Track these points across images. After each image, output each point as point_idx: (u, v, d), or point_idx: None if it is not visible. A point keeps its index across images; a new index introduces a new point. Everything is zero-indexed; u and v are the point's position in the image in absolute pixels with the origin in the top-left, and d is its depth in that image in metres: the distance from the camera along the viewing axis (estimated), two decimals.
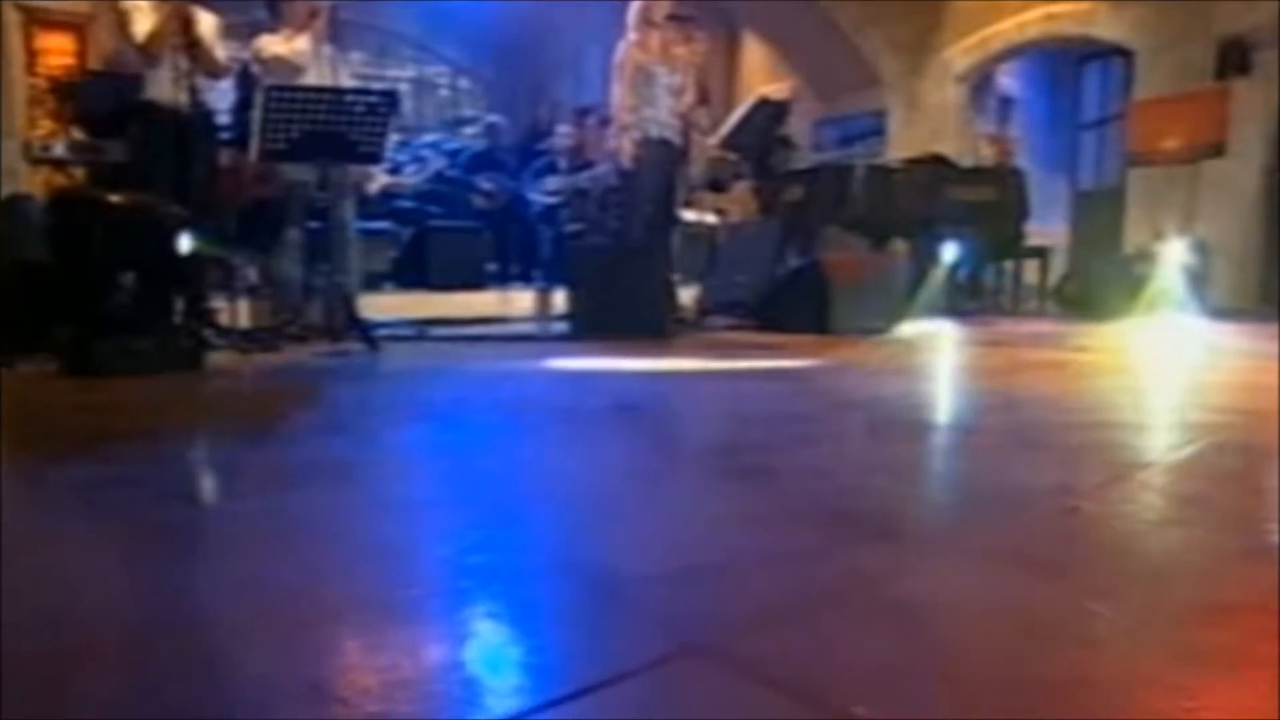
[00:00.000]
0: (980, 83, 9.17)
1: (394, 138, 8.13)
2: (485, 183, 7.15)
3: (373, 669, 0.87)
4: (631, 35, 4.86)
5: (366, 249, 5.64)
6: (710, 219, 5.80)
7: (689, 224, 5.99)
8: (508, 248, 7.32)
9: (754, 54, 10.52)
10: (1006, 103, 10.09)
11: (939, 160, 6.91)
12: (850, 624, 0.97)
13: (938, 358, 3.49)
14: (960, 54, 8.60)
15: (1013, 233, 6.95)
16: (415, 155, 8.01)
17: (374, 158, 3.73)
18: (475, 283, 5.94)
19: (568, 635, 0.95)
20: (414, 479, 1.61)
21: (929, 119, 8.75)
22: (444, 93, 11.53)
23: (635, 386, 2.70)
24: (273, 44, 4.27)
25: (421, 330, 4.40)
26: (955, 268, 6.32)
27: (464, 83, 11.50)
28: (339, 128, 3.54)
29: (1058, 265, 8.29)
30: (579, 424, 2.06)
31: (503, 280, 6.84)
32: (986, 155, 7.22)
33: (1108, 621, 0.99)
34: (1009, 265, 7.23)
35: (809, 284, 4.20)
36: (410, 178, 6.92)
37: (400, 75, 11.15)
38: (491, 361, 3.35)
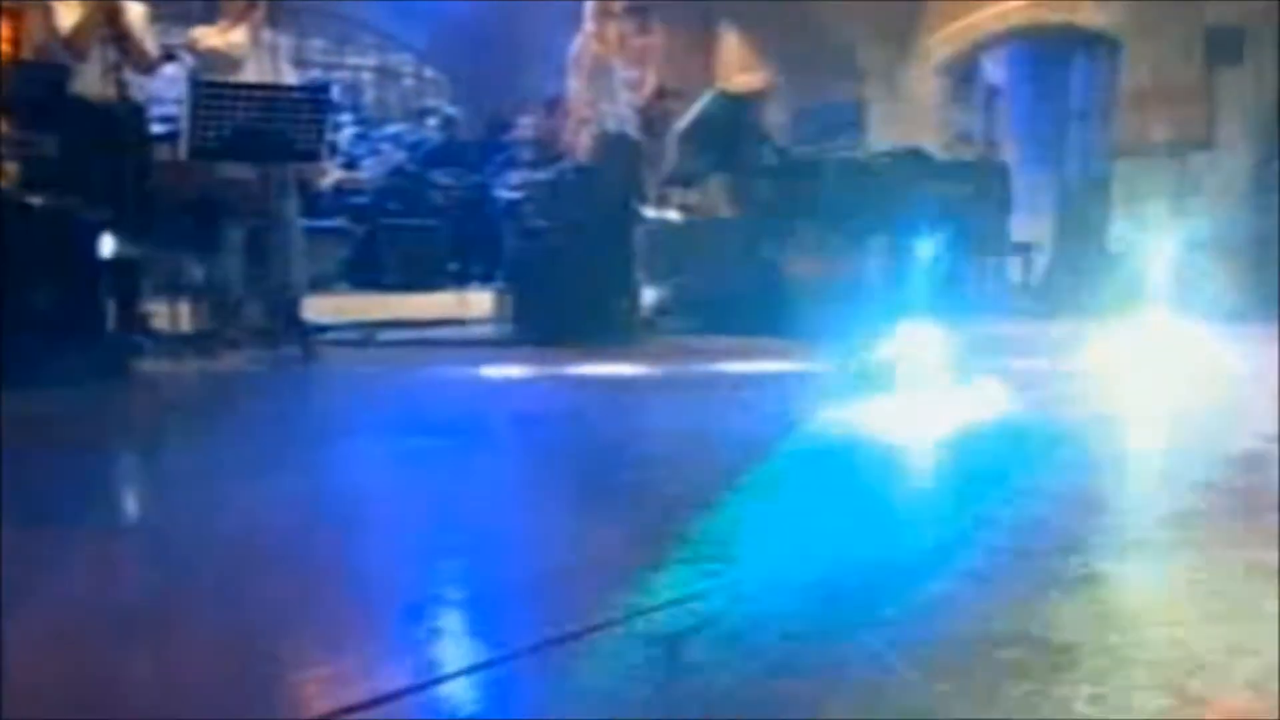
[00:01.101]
0: (965, 73, 9.23)
1: (352, 130, 8.30)
2: (443, 178, 7.15)
3: None
4: (588, 27, 4.90)
5: (316, 247, 5.64)
6: (673, 216, 5.84)
7: (653, 221, 6.01)
8: (467, 246, 7.34)
9: (731, 45, 10.54)
10: (993, 92, 10.17)
11: (916, 154, 6.95)
12: None
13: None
14: (942, 43, 8.66)
15: (994, 228, 7.01)
16: (375, 148, 8.02)
17: (311, 155, 3.74)
18: (431, 283, 5.95)
19: None
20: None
21: (910, 110, 8.81)
22: (408, 82, 11.54)
23: (553, 401, 2.71)
24: (208, 36, 4.27)
25: (368, 335, 4.41)
26: (934, 265, 6.37)
27: (429, 72, 11.51)
28: (273, 124, 3.55)
29: (1042, 261, 8.39)
30: (460, 448, 2.01)
31: (462, 280, 6.84)
32: (967, 154, 7.28)
33: None
34: (990, 262, 7.31)
35: (767, 287, 4.23)
36: (365, 172, 6.92)
37: (362, 63, 11.16)
38: (424, 370, 3.37)
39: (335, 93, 9.29)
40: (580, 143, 4.83)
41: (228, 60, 4.16)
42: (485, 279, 7.14)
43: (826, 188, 6.33)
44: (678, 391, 2.74)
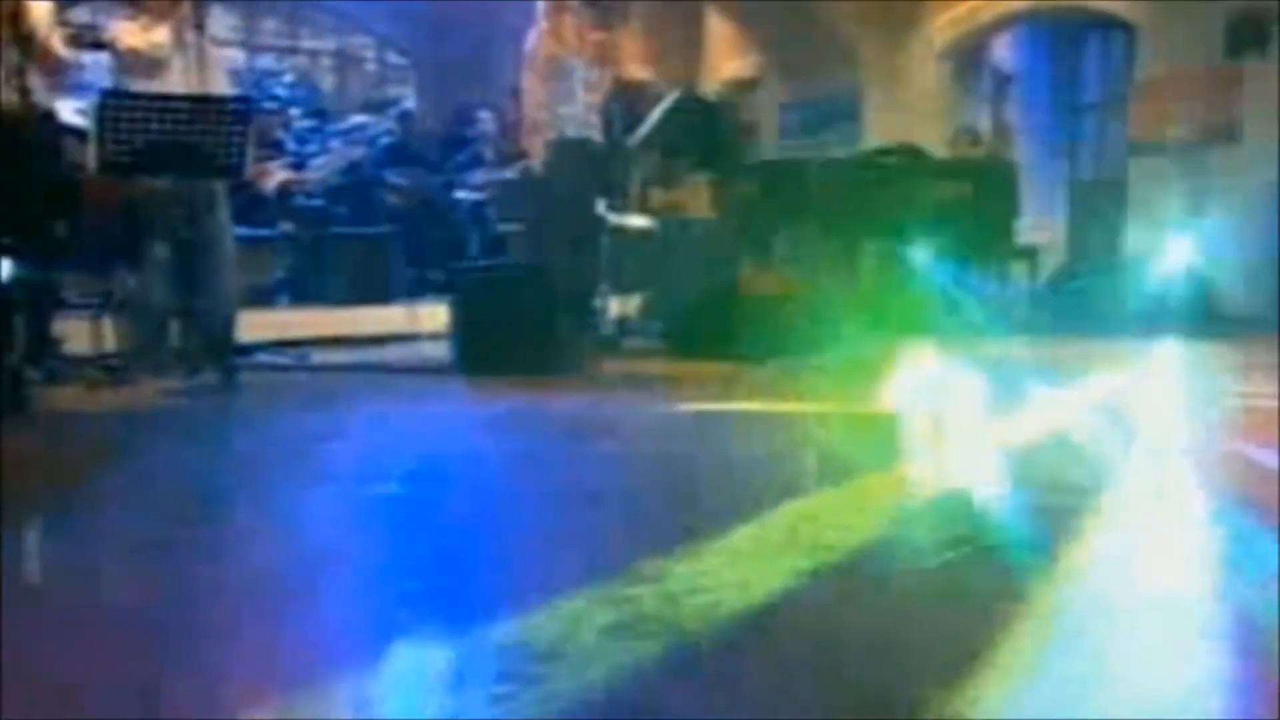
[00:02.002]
0: (970, 59, 9.25)
1: (306, 123, 8.30)
2: (400, 178, 7.16)
3: None
4: (542, 22, 4.90)
5: (255, 258, 5.67)
6: (640, 223, 5.85)
7: (621, 230, 6.02)
8: (425, 254, 7.35)
9: (718, 29, 10.58)
10: (1003, 80, 10.19)
11: (911, 152, 6.96)
12: None
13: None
14: (944, 27, 8.67)
15: (998, 233, 7.01)
16: (329, 144, 8.02)
17: (231, 171, 3.73)
18: (380, 296, 5.95)
19: None
20: None
21: (909, 101, 8.82)
22: (370, 67, 11.54)
23: (470, 447, 2.69)
24: (128, 34, 4.25)
25: (301, 358, 4.41)
26: (931, 275, 6.38)
27: (393, 57, 11.51)
28: (189, 138, 3.54)
29: (1053, 265, 8.39)
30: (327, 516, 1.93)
31: (419, 291, 6.85)
32: (970, 152, 7.28)
33: None
34: (994, 267, 7.31)
35: (725, 306, 4.24)
36: (316, 172, 6.92)
37: (319, 47, 11.17)
38: (345, 405, 3.36)
39: (287, 80, 9.40)
40: (535, 149, 4.83)
41: (148, 61, 4.15)
42: (445, 289, 7.17)
43: (812, 191, 6.34)
44: (615, 439, 2.72)
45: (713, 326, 4.30)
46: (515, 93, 5.41)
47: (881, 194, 6.47)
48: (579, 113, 4.90)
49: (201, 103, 3.64)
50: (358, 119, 9.94)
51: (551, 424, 3.00)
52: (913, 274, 6.45)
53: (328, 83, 11.02)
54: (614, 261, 6.87)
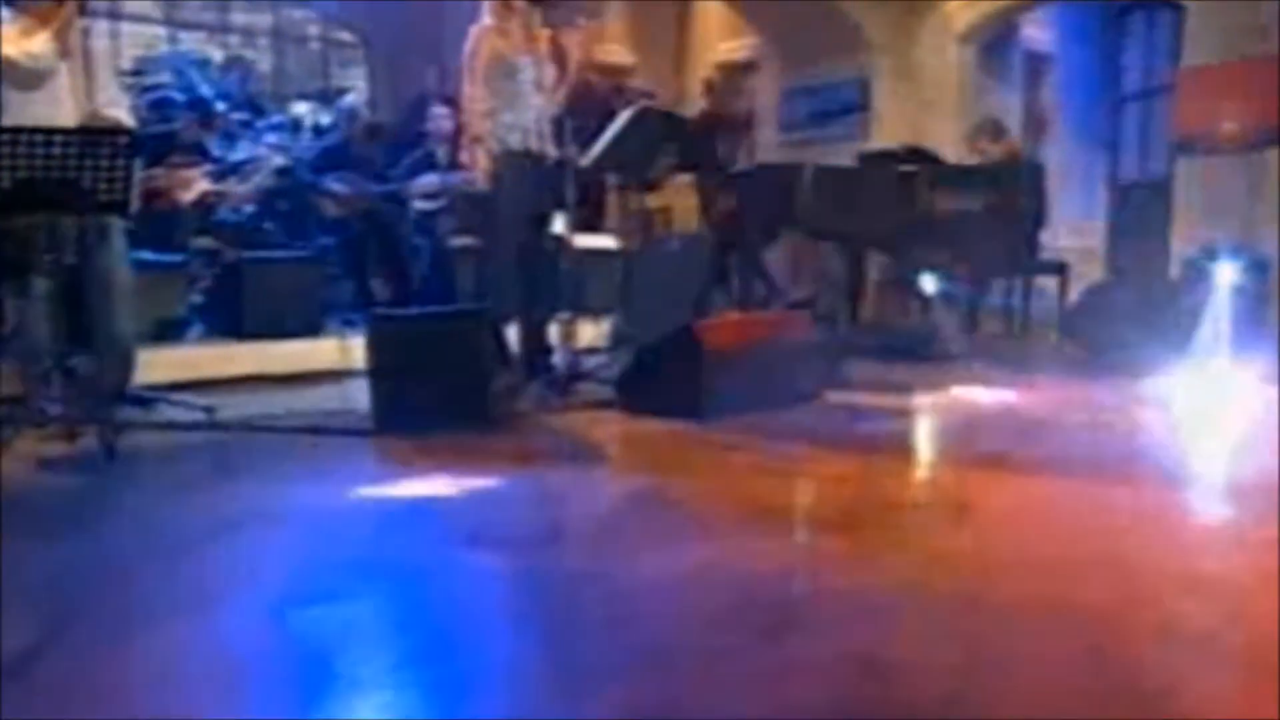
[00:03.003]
0: (997, 39, 9.24)
1: (237, 116, 8.31)
2: (337, 185, 7.15)
3: None
4: (487, 19, 4.91)
5: (162, 288, 5.68)
6: (604, 243, 5.90)
7: (584, 252, 6.04)
8: (368, 270, 7.35)
9: (709, 6, 10.60)
10: (1038, 62, 10.19)
11: (918, 155, 6.97)
12: None
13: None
14: (964, 6, 8.67)
15: (1019, 246, 7.02)
16: (262, 143, 8.02)
17: (116, 207, 3.74)
18: (310, 326, 5.96)
19: None
20: None
21: (925, 90, 8.82)
22: (314, 46, 11.56)
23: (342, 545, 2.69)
24: (5, 41, 4.25)
25: (209, 411, 4.42)
26: (942, 299, 6.39)
27: (342, 35, 11.53)
28: (66, 173, 3.55)
29: (1090, 276, 8.38)
30: None
31: (359, 315, 6.85)
32: (990, 150, 7.28)
33: None
34: (1019, 285, 7.31)
35: (679, 355, 4.25)
36: (243, 181, 6.92)
37: (253, 24, 11.17)
38: (233, 488, 3.36)
39: (215, 65, 9.42)
40: (477, 163, 4.85)
41: (27, 73, 4.16)
42: (397, 307, 7.16)
43: (803, 205, 6.36)
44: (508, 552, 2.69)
45: (665, 383, 4.31)
46: (450, 100, 5.43)
47: (883, 206, 6.48)
48: (528, 121, 4.90)
49: (80, 136, 3.65)
50: (299, 107, 10.02)
51: (446, 518, 3.00)
52: (921, 300, 6.47)
53: (263, 65, 11.02)
54: (578, 285, 6.95)
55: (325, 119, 8.30)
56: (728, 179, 6.91)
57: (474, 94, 4.91)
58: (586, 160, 5.03)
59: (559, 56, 5.00)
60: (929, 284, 6.31)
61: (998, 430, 4.36)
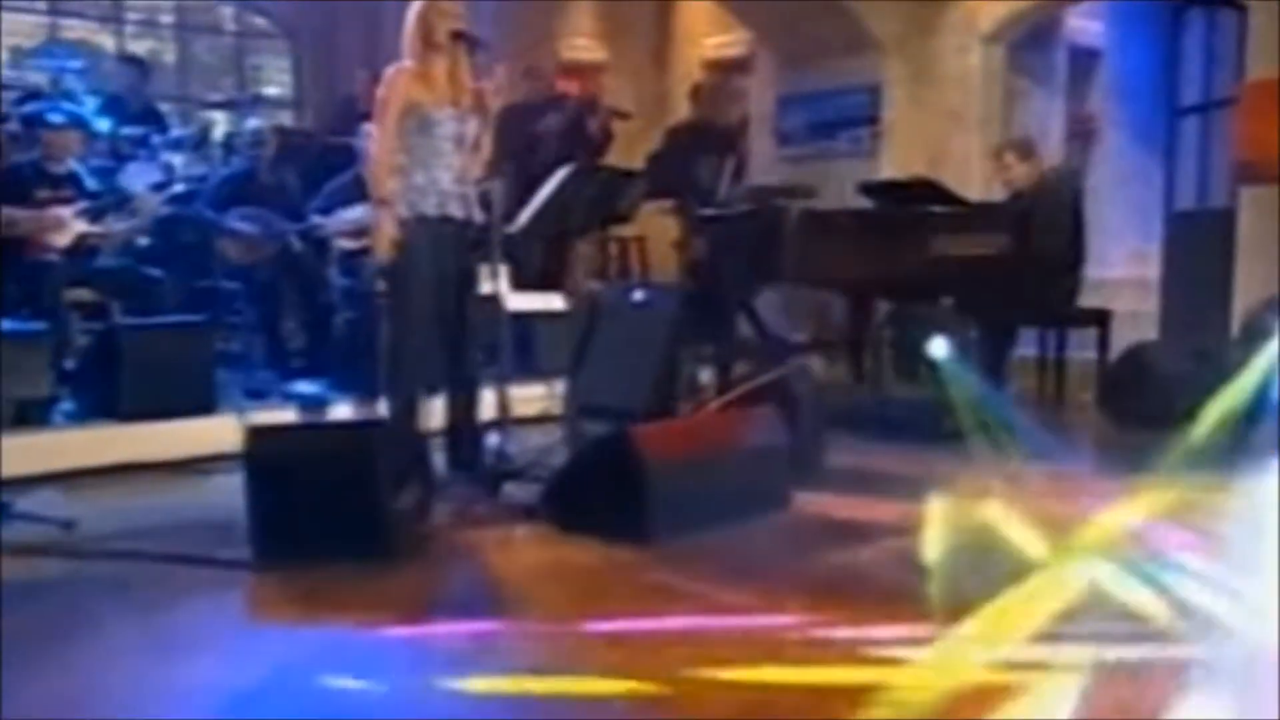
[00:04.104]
0: (1035, 37, 9.35)
1: (130, 130, 8.42)
2: (243, 224, 7.25)
3: None
4: (407, 62, 5.02)
5: (23, 360, 5.77)
6: (551, 303, 6.00)
7: (523, 315, 6.17)
8: (278, 327, 7.45)
9: (695, 4, 10.75)
10: (1086, 59, 10.30)
11: (928, 189, 7.07)
12: None
13: None
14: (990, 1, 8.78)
15: (1049, 293, 7.10)
16: (156, 167, 8.13)
17: None
18: (202, 403, 6.06)
19: None
20: None
21: (947, 96, 8.93)
22: (229, 39, 11.70)
23: None
24: None
25: (67, 527, 4.52)
26: (953, 368, 6.44)
27: (260, 22, 11.67)
28: None
29: (1143, 318, 8.47)
30: None
31: (271, 381, 6.98)
32: (1015, 170, 7.36)
33: None
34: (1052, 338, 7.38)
35: (617, 466, 4.35)
36: (127, 219, 7.01)
37: (158, 7, 11.29)
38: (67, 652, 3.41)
39: (105, 60, 9.52)
40: (380, 231, 4.95)
41: None
42: (311, 371, 7.23)
43: (789, 254, 6.46)
44: None
45: (601, 498, 4.40)
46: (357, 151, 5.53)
47: (885, 256, 6.58)
48: (445, 183, 5.01)
49: None
50: (210, 116, 10.10)
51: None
52: (927, 368, 6.53)
53: (168, 58, 11.17)
54: (523, 347, 7.07)
55: (245, 125, 8.38)
56: (700, 222, 7.01)
57: (382, 147, 4.97)
58: (514, 227, 5.13)
59: (482, 109, 5.04)
60: (940, 349, 6.39)
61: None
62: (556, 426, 6.44)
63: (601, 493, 4.43)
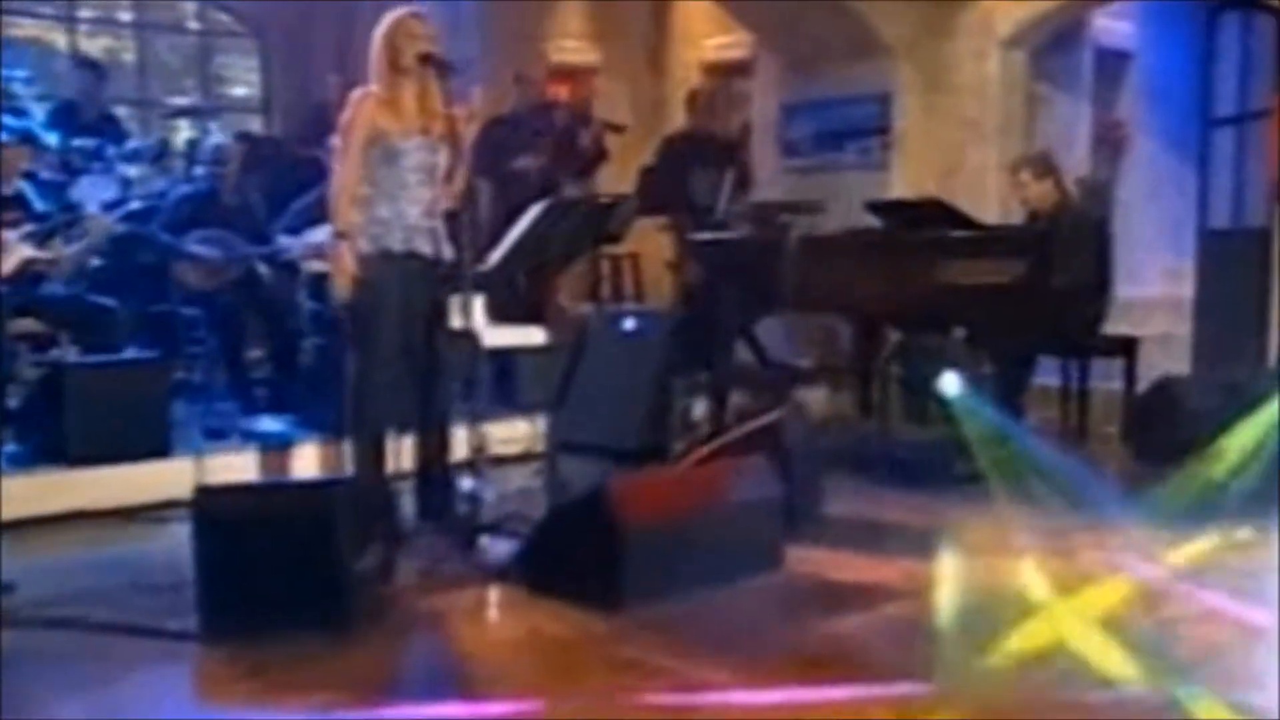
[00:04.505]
0: (1058, 41, 9.37)
1: (83, 142, 8.44)
2: (203, 248, 7.28)
3: None
4: (374, 87, 5.06)
5: None
6: (531, 337, 6.04)
7: (501, 350, 6.21)
8: (241, 357, 7.48)
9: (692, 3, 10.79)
10: (1114, 61, 10.33)
11: (939, 210, 7.09)
12: None
13: None
14: (1009, 3, 8.80)
15: (1069, 322, 7.11)
16: (112, 181, 8.15)
17: None
18: (156, 445, 6.09)
19: None
20: None
21: (963, 104, 8.96)
22: (191, 39, 11.74)
23: None
24: None
25: (7, 590, 4.55)
26: (966, 409, 6.46)
27: (225, 19, 11.71)
28: None
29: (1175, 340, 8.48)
30: None
31: (233, 415, 7.02)
32: (1031, 188, 7.37)
33: None
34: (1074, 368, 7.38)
35: (591, 527, 4.38)
36: (72, 246, 7.02)
37: (110, 5, 11.31)
38: None
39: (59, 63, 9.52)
40: (340, 267, 4.98)
41: None
42: (275, 406, 7.26)
43: (787, 282, 6.49)
44: None
45: (574, 560, 4.43)
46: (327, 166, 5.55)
47: (890, 284, 6.61)
48: (412, 217, 5.04)
49: None
50: (172, 125, 10.11)
51: None
52: (937, 406, 6.56)
53: (127, 58, 11.20)
54: (504, 380, 7.11)
55: (208, 142, 8.39)
56: (694, 245, 7.05)
57: (344, 177, 5.00)
58: (488, 265, 5.17)
59: (454, 138, 5.05)
60: (951, 386, 6.41)
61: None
62: (539, 466, 6.48)
63: (577, 555, 4.46)
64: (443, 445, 5.37)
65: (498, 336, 6.40)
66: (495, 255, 5.12)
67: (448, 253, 5.15)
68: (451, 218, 5.18)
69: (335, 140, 5.18)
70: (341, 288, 5.01)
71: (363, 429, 5.20)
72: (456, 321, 5.25)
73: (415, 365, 5.15)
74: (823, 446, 6.21)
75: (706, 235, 7.19)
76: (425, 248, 5.10)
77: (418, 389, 5.22)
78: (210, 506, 4.13)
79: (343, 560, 4.11)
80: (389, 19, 5.12)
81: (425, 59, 5.01)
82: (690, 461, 5.37)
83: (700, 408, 7.44)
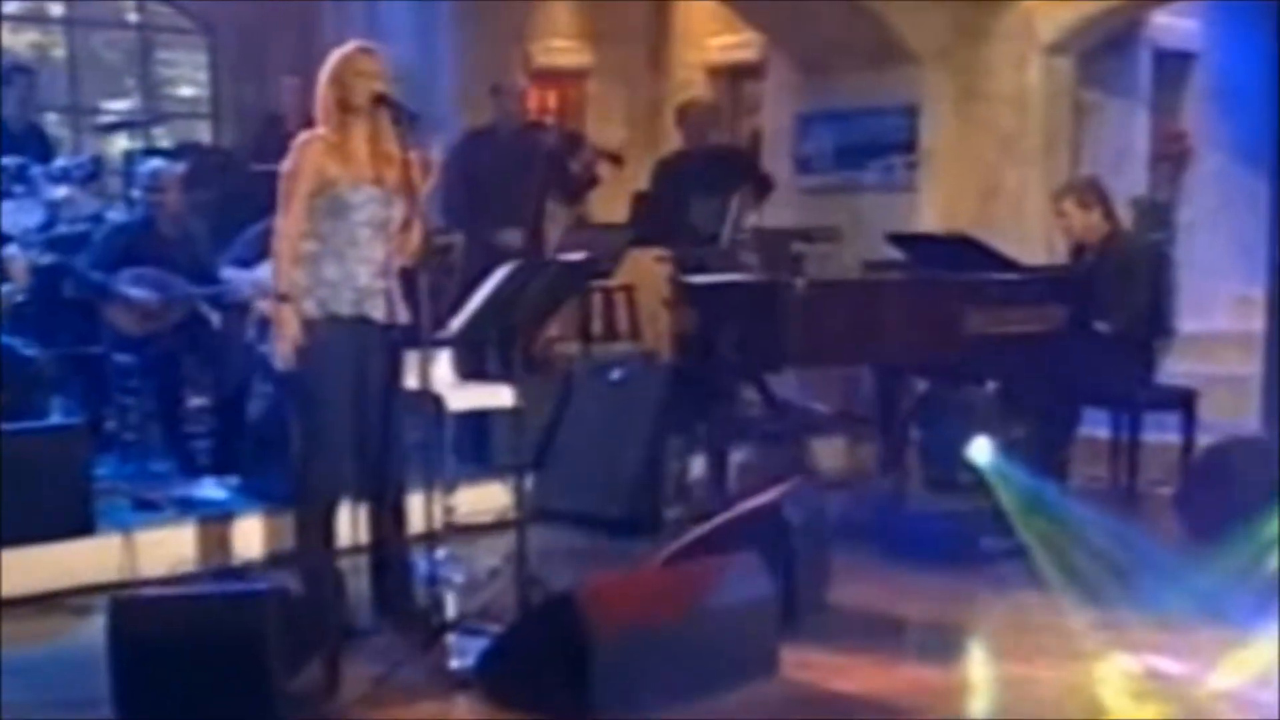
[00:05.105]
0: (1111, 45, 9.37)
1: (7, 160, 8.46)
2: (136, 289, 7.27)
3: None
4: (320, 129, 5.08)
5: None
6: (498, 399, 6.07)
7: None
8: (179, 411, 7.49)
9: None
10: (1175, 63, 10.31)
11: (969, 248, 7.11)
12: None
13: None
14: (1053, 3, 8.80)
15: (1118, 373, 7.12)
16: (42, 198, 8.17)
17: None
18: (77, 522, 6.09)
19: None
20: None
21: (1002, 117, 8.97)
22: (132, 33, 11.78)
23: None
24: None
25: None
26: (999, 476, 6.45)
27: (169, 13, 11.75)
28: None
29: (1245, 400, 8.45)
30: None
31: (170, 478, 7.05)
32: (1077, 225, 7.39)
33: None
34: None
35: (558, 634, 4.41)
36: None
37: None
38: None
39: None
40: (282, 331, 5.00)
41: None
42: (219, 467, 7.24)
43: (793, 333, 6.49)
44: None
45: (541, 670, 4.47)
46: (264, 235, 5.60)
47: (911, 335, 6.62)
48: (362, 277, 5.07)
49: None
50: (115, 128, 10.14)
51: None
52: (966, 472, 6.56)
53: (56, 55, 11.21)
54: (477, 438, 7.14)
55: (149, 164, 8.34)
56: (684, 291, 7.09)
57: (287, 232, 5.02)
58: (450, 330, 5.20)
59: (409, 187, 5.03)
60: (982, 453, 6.41)
61: None
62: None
63: (546, 665, 4.49)
64: (399, 521, 5.40)
65: (463, 398, 6.41)
66: (457, 321, 5.13)
67: (403, 315, 5.17)
68: (407, 276, 5.19)
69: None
70: (284, 356, 5.03)
71: (308, 503, 5.25)
72: (414, 381, 5.28)
73: (367, 432, 5.18)
74: (833, 518, 6.22)
75: (699, 279, 7.20)
76: (377, 312, 5.12)
77: (370, 458, 5.24)
78: (126, 620, 4.17)
79: (276, 680, 4.14)
80: (337, 55, 5.14)
81: (378, 100, 5.02)
82: (675, 551, 5.39)
83: (698, 466, 7.43)
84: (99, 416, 7.74)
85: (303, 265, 5.05)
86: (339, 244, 5.05)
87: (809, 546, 5.51)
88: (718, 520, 5.52)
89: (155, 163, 7.97)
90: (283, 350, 5.04)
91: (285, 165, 5.10)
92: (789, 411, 8.64)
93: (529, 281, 5.13)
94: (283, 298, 5.03)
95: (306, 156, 5.04)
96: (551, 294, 5.42)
